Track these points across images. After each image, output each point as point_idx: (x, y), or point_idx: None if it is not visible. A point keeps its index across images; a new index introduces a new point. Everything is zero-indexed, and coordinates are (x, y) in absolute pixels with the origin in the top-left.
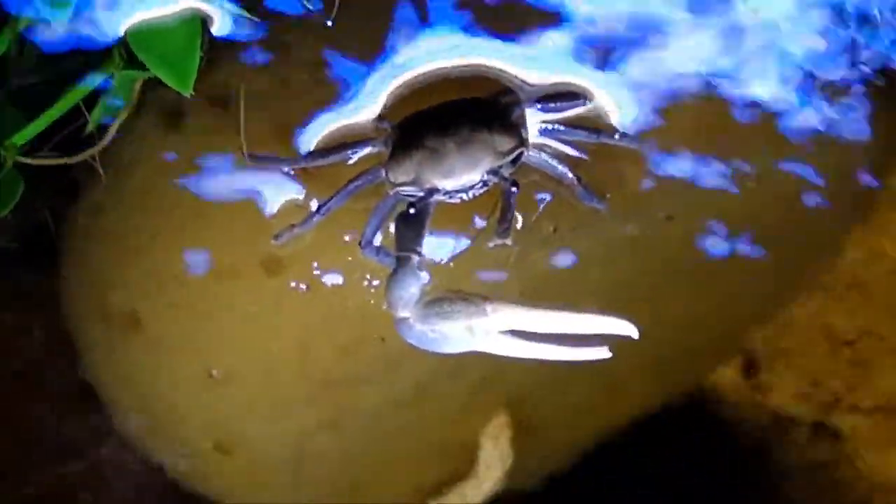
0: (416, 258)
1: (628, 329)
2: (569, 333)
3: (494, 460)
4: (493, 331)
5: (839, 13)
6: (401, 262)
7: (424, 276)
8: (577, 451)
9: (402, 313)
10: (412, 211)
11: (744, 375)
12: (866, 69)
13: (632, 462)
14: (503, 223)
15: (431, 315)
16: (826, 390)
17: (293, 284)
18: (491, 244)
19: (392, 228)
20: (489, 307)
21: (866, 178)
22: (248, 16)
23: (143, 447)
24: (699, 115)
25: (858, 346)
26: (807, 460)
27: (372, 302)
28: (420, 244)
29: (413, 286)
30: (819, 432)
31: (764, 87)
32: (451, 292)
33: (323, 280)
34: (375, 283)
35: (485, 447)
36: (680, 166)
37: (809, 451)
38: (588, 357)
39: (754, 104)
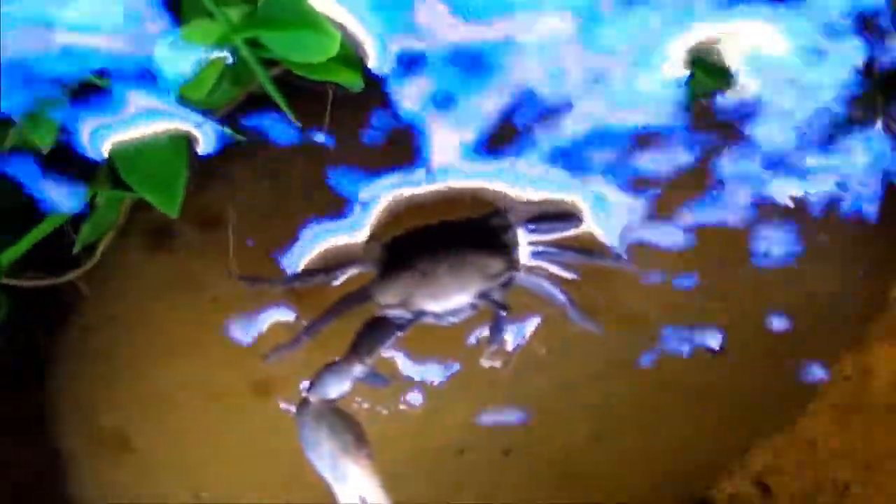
0: (359, 367)
1: None
2: None
3: None
4: (350, 481)
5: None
6: (345, 360)
7: (348, 386)
8: None
9: (312, 397)
10: (380, 320)
11: (750, 491)
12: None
13: None
14: (493, 345)
15: (324, 419)
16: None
17: (283, 406)
18: (484, 363)
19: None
20: (360, 461)
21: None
22: (233, 135)
23: None
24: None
25: (855, 464)
26: None
27: (363, 424)
28: (370, 356)
29: (336, 387)
30: None
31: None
32: (352, 420)
33: None
34: (366, 405)
35: None
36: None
37: None
38: None
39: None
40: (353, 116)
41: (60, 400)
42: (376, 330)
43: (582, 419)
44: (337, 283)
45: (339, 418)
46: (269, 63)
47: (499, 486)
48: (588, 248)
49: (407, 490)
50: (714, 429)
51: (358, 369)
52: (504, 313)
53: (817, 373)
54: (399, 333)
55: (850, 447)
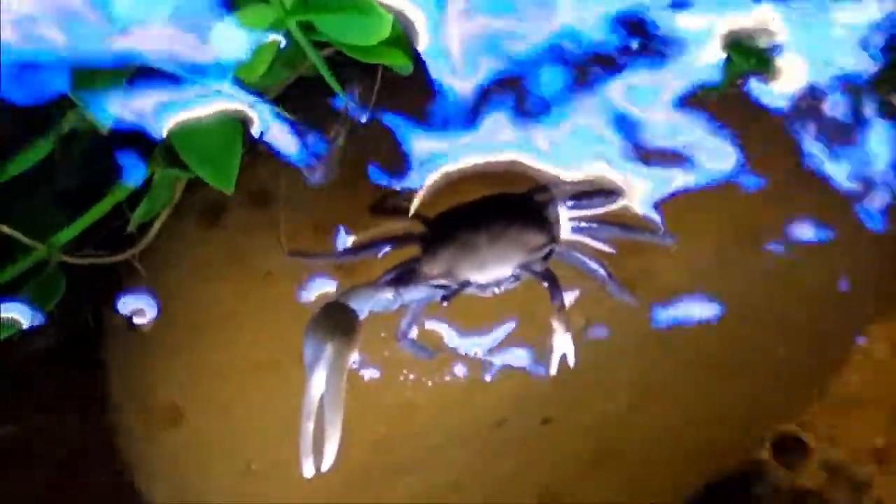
0: (390, 295)
1: None
2: None
3: None
4: (320, 374)
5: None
6: (382, 284)
7: (375, 306)
8: None
9: (339, 297)
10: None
11: (777, 457)
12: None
13: None
14: (556, 301)
15: (333, 316)
16: (856, 472)
17: None
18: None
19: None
20: (339, 361)
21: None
22: (287, 116)
23: None
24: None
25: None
26: None
27: (409, 395)
28: (404, 295)
29: (362, 302)
30: None
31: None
32: (354, 331)
33: (361, 374)
34: (412, 377)
35: None
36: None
37: None
38: None
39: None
40: (398, 96)
41: (114, 375)
42: (414, 277)
43: (619, 390)
44: (380, 256)
45: (346, 321)
46: (317, 45)
47: (538, 455)
48: (627, 223)
49: (451, 458)
50: (749, 397)
51: (388, 297)
52: (545, 283)
53: (851, 342)
54: (444, 304)
55: (884, 417)
